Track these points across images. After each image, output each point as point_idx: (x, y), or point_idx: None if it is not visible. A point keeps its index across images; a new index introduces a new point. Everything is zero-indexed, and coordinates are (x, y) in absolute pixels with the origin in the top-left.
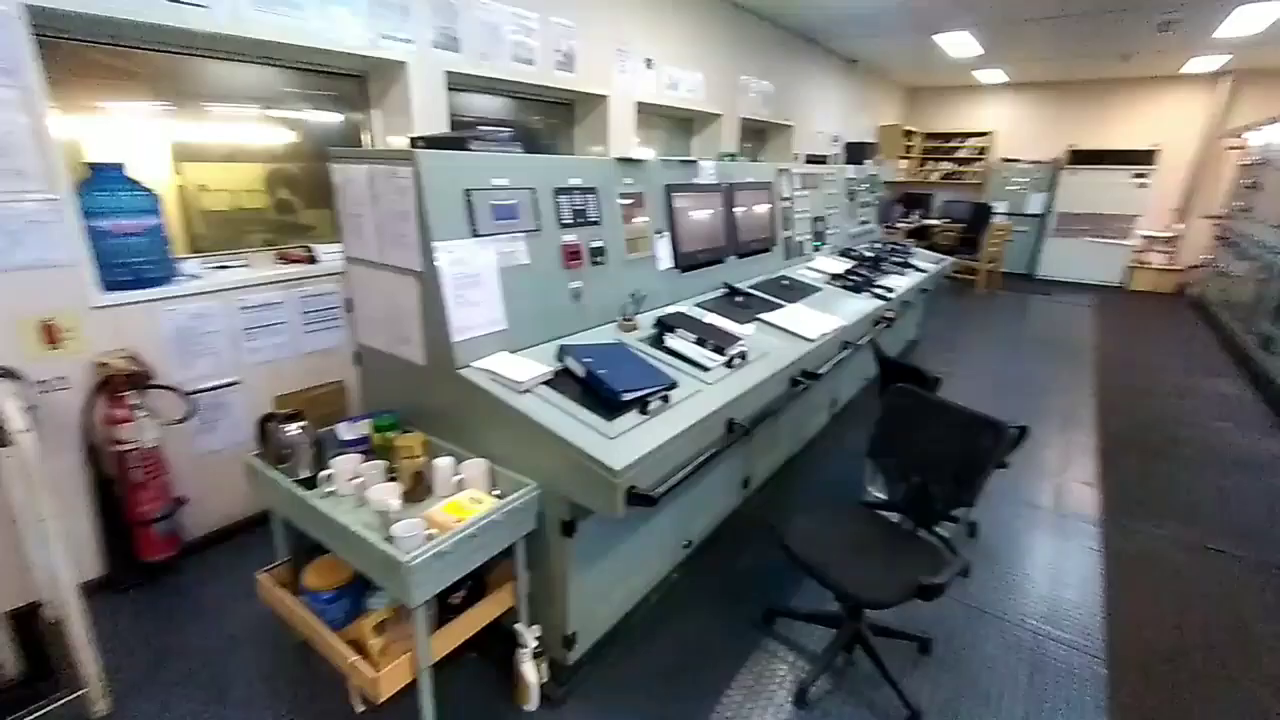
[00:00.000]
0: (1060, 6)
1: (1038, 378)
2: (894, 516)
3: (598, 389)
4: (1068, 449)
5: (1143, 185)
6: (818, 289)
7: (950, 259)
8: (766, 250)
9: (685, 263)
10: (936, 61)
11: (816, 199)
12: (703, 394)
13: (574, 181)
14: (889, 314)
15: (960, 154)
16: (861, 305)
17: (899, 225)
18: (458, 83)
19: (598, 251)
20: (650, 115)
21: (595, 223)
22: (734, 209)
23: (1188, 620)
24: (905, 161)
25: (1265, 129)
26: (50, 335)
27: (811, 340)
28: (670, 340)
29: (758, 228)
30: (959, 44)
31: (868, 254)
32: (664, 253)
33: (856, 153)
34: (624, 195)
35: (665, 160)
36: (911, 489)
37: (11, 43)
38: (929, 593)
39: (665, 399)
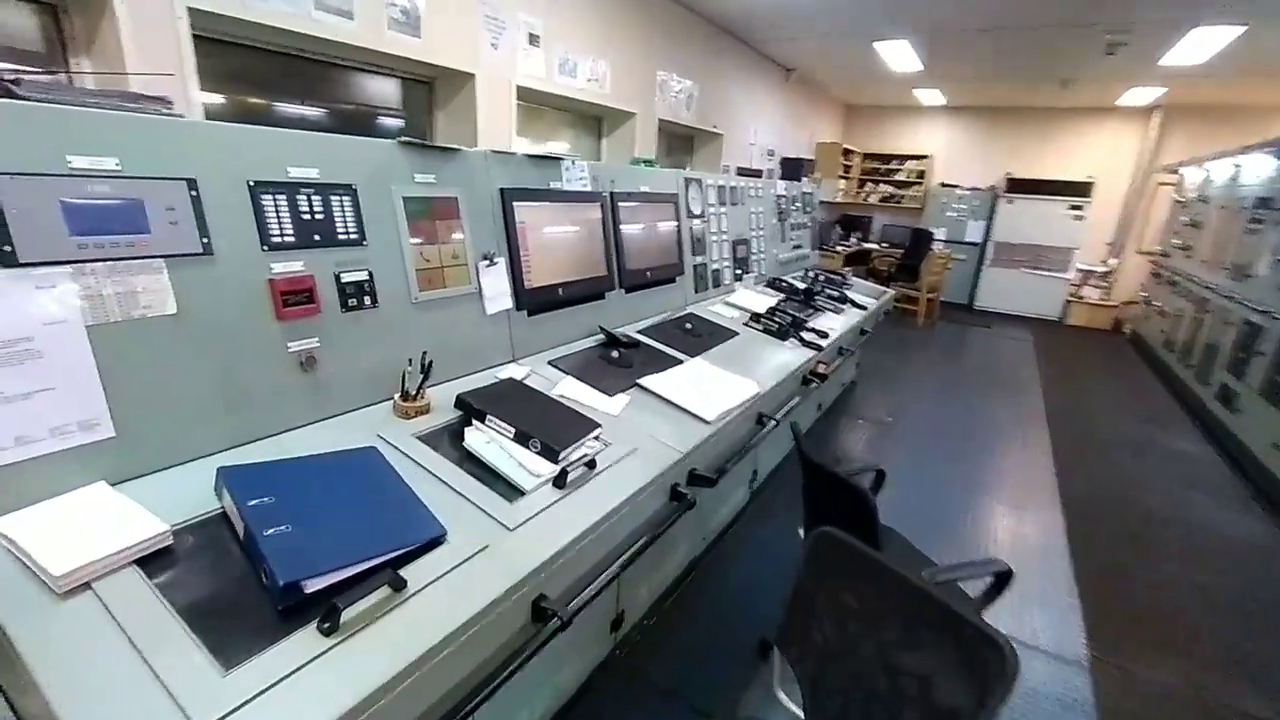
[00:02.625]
0: (1004, 18)
1: (989, 429)
2: None
3: (257, 570)
4: (1036, 536)
5: (1079, 218)
6: (732, 334)
7: (891, 292)
8: (670, 281)
9: (535, 302)
10: (876, 76)
11: (739, 217)
12: (490, 553)
13: (301, 173)
14: (822, 368)
15: (899, 176)
16: (787, 357)
17: (838, 249)
18: (223, 30)
19: (357, 289)
20: (546, 108)
21: (353, 242)
22: (620, 227)
23: None
24: (844, 181)
25: (1208, 164)
26: None
27: (708, 422)
28: (474, 437)
29: (657, 252)
30: (898, 55)
31: (799, 285)
32: (497, 288)
33: (793, 169)
34: (415, 200)
35: (499, 152)
36: (843, 714)
37: None
38: None
39: (396, 584)
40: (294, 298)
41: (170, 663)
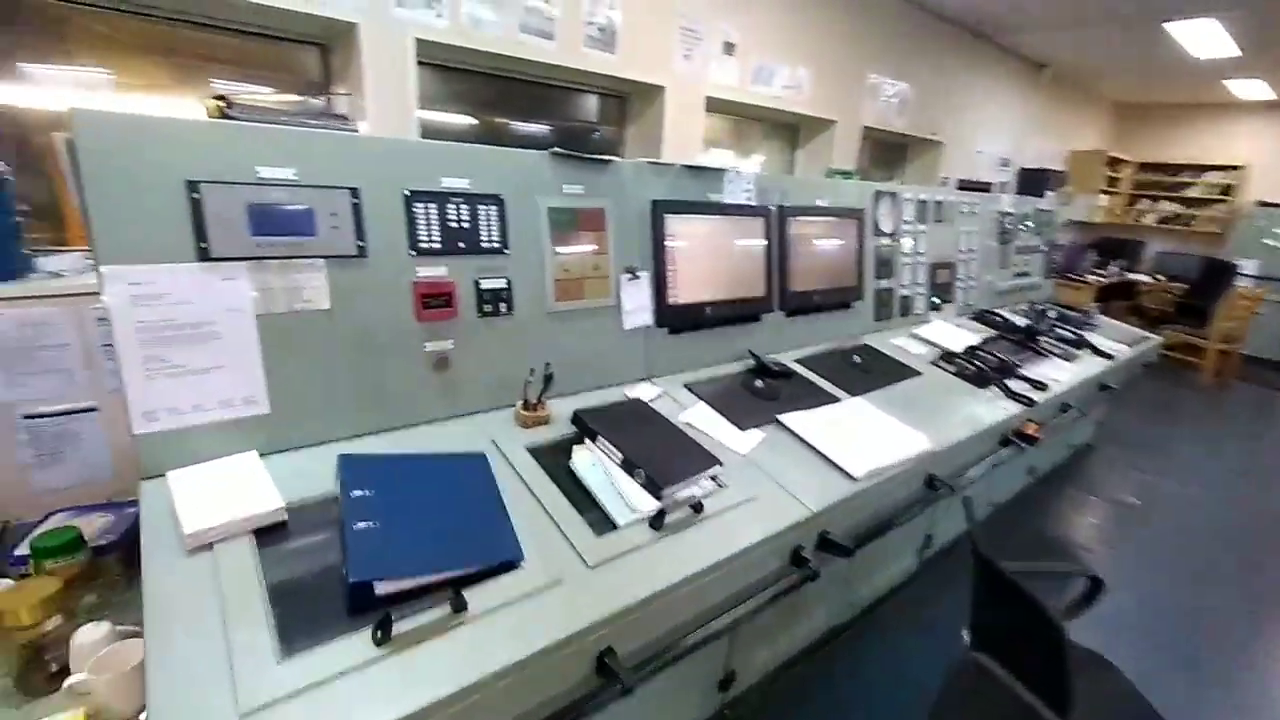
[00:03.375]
0: None
1: None
2: None
3: (343, 561)
4: None
5: None
6: (913, 373)
7: (1156, 338)
8: (844, 306)
9: (678, 320)
10: (1165, 67)
11: (943, 237)
12: (560, 590)
13: (453, 184)
14: (1032, 429)
15: (1191, 192)
16: (982, 411)
17: (1089, 279)
18: (443, 57)
19: (494, 296)
20: (739, 119)
21: (495, 250)
22: (786, 244)
23: None
24: (1107, 198)
25: None
26: None
27: (854, 478)
28: (580, 457)
29: (829, 273)
30: (1203, 37)
31: (1018, 321)
32: (637, 302)
33: (1033, 182)
34: (560, 211)
35: (654, 163)
36: None
37: None
38: None
39: (457, 605)
40: (434, 301)
41: (244, 639)
